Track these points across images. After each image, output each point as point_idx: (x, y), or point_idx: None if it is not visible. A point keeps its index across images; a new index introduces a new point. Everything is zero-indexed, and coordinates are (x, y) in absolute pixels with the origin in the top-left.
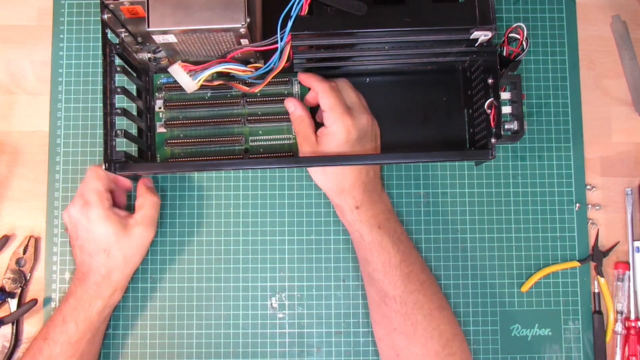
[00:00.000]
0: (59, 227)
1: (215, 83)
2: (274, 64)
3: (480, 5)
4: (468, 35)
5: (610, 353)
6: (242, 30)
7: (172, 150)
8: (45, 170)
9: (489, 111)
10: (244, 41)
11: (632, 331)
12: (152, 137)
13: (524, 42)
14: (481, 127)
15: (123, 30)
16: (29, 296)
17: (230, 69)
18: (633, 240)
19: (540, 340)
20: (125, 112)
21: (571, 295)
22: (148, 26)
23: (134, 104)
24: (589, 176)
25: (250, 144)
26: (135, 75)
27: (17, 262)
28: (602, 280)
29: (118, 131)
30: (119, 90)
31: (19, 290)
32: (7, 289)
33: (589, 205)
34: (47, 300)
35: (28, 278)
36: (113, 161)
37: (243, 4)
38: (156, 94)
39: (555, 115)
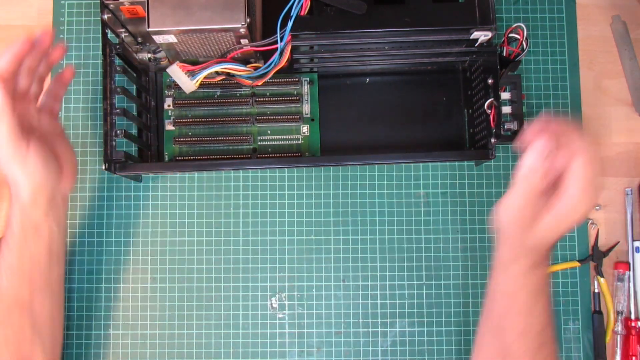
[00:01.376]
0: None
1: (218, 79)
2: (274, 64)
3: (480, 5)
4: (468, 35)
5: (610, 353)
6: (242, 30)
7: (180, 148)
8: None
9: (489, 111)
10: (244, 41)
11: (632, 331)
12: (161, 134)
13: (523, 42)
14: (481, 127)
15: (123, 30)
16: None
17: (229, 68)
18: (633, 240)
19: None
20: (125, 112)
21: (571, 295)
22: (148, 26)
23: (133, 104)
24: None
25: (259, 143)
26: (135, 75)
27: None
28: (602, 280)
29: (118, 131)
30: (119, 90)
31: None
32: None
33: None
34: None
35: None
36: (113, 161)
37: (243, 3)
38: (165, 91)
39: (555, 115)
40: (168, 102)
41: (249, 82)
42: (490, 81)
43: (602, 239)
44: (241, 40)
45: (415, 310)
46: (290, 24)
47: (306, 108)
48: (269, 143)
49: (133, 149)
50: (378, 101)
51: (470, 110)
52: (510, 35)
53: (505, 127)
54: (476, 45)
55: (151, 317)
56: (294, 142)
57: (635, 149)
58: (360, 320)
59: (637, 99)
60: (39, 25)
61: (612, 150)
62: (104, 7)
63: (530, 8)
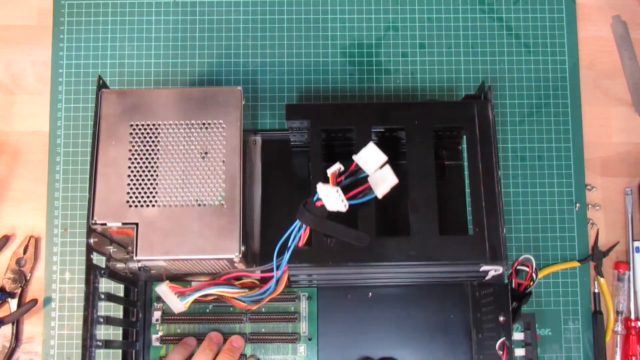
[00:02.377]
0: (59, 227)
1: (210, 298)
2: (270, 293)
3: (490, 239)
4: (477, 268)
5: (610, 353)
6: (236, 260)
7: None
8: (45, 170)
9: (501, 353)
10: (239, 265)
11: (632, 331)
12: (147, 352)
13: (533, 274)
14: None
15: (111, 247)
16: (29, 296)
17: (223, 292)
18: (633, 240)
19: (540, 340)
20: (106, 344)
21: (571, 295)
22: (136, 255)
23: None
24: (589, 176)
25: None
26: (123, 298)
27: (17, 262)
28: (602, 280)
29: None
30: (101, 320)
31: (19, 290)
32: (7, 289)
33: (589, 205)
34: (47, 300)
35: (28, 278)
36: None
37: (238, 233)
38: (154, 303)
39: (555, 115)
40: (156, 316)
41: (243, 305)
42: (501, 319)
43: (602, 239)
44: (236, 265)
45: None
46: (287, 256)
47: (304, 326)
48: None
49: None
50: (381, 317)
51: (480, 335)
52: (519, 267)
53: None
54: (486, 279)
55: None
56: None
57: (635, 149)
58: None
59: (637, 99)
60: (39, 25)
61: (612, 150)
62: (90, 231)
63: (530, 8)
